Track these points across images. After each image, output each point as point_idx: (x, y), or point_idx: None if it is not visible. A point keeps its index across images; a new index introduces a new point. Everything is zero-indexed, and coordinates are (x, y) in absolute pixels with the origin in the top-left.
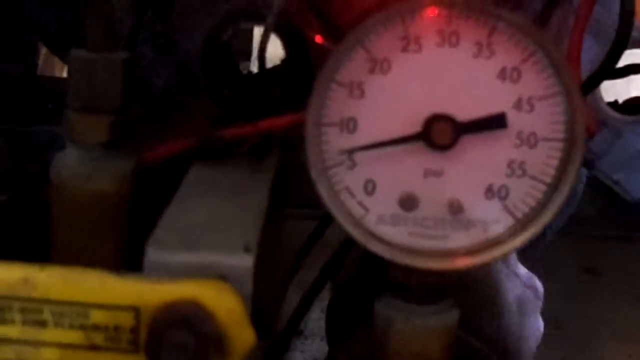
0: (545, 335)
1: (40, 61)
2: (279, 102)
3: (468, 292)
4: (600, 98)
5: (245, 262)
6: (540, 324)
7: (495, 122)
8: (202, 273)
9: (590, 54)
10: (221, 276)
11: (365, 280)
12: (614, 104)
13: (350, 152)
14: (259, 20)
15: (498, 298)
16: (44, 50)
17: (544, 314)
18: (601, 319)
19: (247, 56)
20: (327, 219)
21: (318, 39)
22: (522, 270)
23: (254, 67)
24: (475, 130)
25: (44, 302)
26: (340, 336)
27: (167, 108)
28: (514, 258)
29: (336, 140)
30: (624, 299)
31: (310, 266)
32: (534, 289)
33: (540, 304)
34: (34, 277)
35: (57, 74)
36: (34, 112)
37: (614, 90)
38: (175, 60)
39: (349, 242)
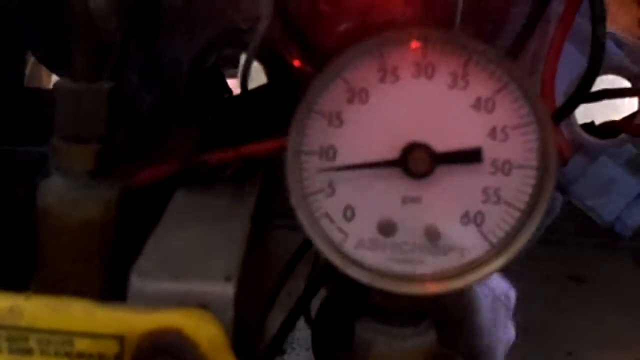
0: (532, 344)
1: (27, 71)
2: (261, 127)
3: (444, 309)
4: (575, 121)
5: (226, 290)
6: (511, 333)
7: (471, 156)
8: (184, 301)
9: (578, 67)
10: (203, 304)
11: (351, 297)
12: (589, 126)
13: (329, 170)
14: (242, 47)
15: (472, 314)
16: (31, 60)
17: (530, 322)
18: (587, 327)
19: (235, 64)
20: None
21: (296, 63)
22: (494, 279)
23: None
24: (451, 161)
25: (29, 330)
26: (328, 353)
27: (151, 132)
28: None
29: (316, 168)
30: (610, 306)
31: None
32: (505, 298)
33: (510, 313)
34: (20, 306)
35: (44, 84)
36: (21, 131)
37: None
38: (159, 85)
39: (328, 267)
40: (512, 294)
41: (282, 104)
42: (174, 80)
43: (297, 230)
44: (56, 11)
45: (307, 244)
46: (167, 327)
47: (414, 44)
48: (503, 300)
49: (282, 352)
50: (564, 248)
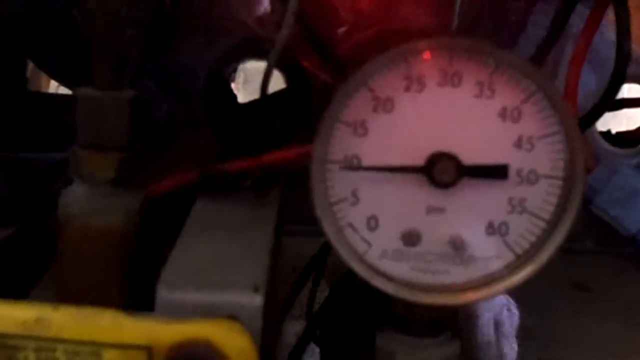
0: (534, 351)
1: (28, 75)
2: (280, 135)
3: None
4: (595, 130)
5: (254, 301)
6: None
7: (497, 172)
8: (212, 312)
9: (588, 83)
10: (231, 315)
11: (361, 310)
12: (607, 135)
13: (354, 170)
14: (261, 56)
15: (473, 317)
16: (30, 65)
17: (532, 329)
18: (591, 335)
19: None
20: (326, 250)
21: (311, 67)
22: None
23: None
24: (476, 175)
25: (57, 341)
26: None
27: (168, 140)
28: None
29: (340, 177)
30: (614, 315)
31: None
32: (509, 312)
33: (515, 326)
34: (48, 316)
35: (44, 88)
36: (26, 137)
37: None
38: (176, 93)
39: (349, 277)
40: (515, 309)
41: (300, 111)
42: (190, 89)
43: (308, 236)
44: (69, 23)
45: (323, 252)
46: (195, 338)
47: (440, 53)
48: (508, 313)
49: None
50: (567, 255)
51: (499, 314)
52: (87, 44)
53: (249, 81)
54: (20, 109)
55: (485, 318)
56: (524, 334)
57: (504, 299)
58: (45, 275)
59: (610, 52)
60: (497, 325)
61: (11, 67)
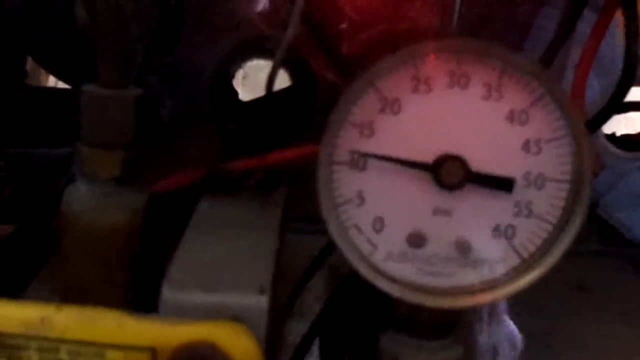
0: (535, 353)
1: (28, 69)
2: (285, 133)
3: None
4: (601, 133)
5: (260, 303)
6: None
7: (502, 184)
8: (217, 313)
9: (592, 87)
10: (236, 317)
11: (361, 311)
12: (611, 138)
13: (365, 155)
14: (267, 55)
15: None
16: (30, 59)
17: (531, 330)
18: (592, 336)
19: None
20: (329, 249)
21: (317, 66)
22: (507, 321)
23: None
24: (482, 184)
25: (60, 341)
26: None
27: (172, 137)
28: (503, 305)
29: (346, 178)
30: (613, 315)
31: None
32: (512, 341)
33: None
34: (51, 316)
35: (42, 82)
36: (33, 133)
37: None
38: (180, 90)
39: (352, 278)
40: (519, 339)
41: (306, 110)
42: (195, 86)
43: (314, 235)
44: (69, 19)
45: (326, 251)
46: (200, 339)
47: (449, 55)
48: (510, 342)
49: None
50: (568, 256)
51: (500, 342)
52: (86, 40)
53: (248, 77)
54: (22, 104)
55: (484, 344)
56: (525, 335)
57: (510, 327)
58: (43, 270)
59: (613, 56)
60: (495, 353)
61: (12, 62)
